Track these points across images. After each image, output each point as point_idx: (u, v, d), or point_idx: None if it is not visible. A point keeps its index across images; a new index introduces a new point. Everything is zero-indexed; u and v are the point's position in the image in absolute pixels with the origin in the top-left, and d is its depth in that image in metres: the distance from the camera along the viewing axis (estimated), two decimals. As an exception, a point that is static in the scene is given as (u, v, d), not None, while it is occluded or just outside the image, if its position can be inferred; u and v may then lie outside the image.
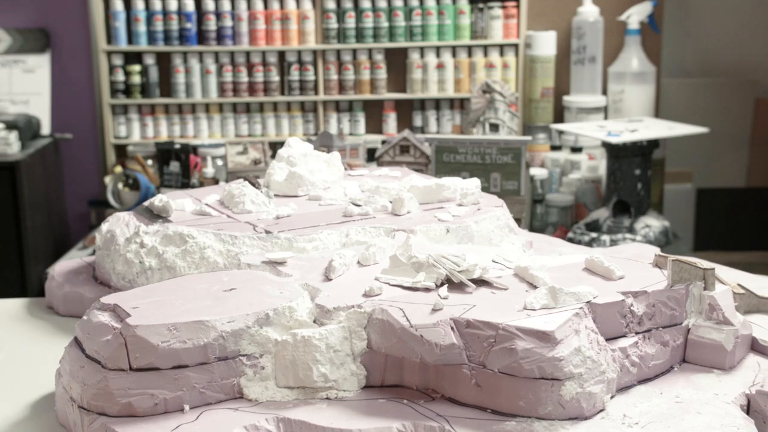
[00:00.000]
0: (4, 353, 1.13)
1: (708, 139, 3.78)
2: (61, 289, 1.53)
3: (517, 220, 1.51)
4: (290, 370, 1.10)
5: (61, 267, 1.61)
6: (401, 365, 1.11)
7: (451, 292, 1.16)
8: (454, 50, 4.02)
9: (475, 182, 1.58)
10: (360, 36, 3.98)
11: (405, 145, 2.96)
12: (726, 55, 4.69)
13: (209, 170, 3.39)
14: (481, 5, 3.98)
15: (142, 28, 3.99)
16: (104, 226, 1.52)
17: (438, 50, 4.01)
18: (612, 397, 1.08)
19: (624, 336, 1.12)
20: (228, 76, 4.02)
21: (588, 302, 1.10)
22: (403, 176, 1.72)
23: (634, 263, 1.27)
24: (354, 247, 1.38)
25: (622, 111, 3.85)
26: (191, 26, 3.98)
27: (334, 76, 4.02)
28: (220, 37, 4.00)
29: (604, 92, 3.97)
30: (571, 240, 3.23)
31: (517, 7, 3.96)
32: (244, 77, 4.02)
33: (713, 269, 1.19)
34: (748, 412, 1.09)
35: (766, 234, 4.72)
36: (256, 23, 3.97)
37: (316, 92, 4.04)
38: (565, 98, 3.93)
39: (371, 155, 3.45)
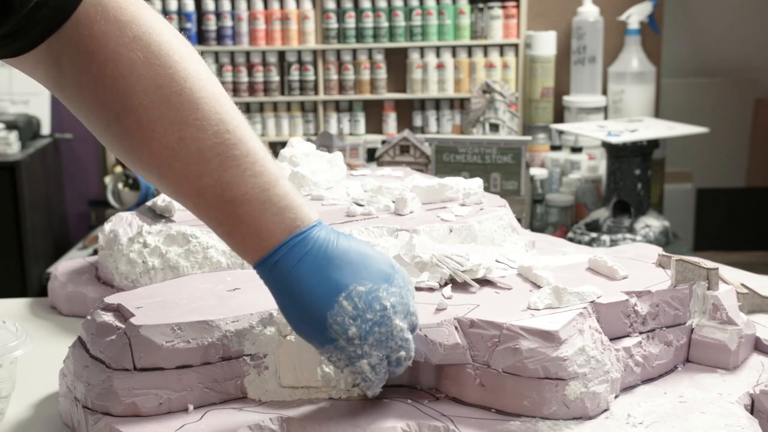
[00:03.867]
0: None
1: (708, 139, 3.78)
2: (64, 289, 1.53)
3: (518, 220, 1.51)
4: (294, 369, 1.10)
5: (63, 267, 1.60)
6: (405, 365, 1.11)
7: (454, 292, 1.16)
8: (454, 50, 4.02)
9: (477, 182, 1.57)
10: (360, 36, 3.98)
11: (405, 145, 2.96)
12: (726, 55, 4.69)
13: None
14: (481, 5, 3.99)
15: (142, 28, 3.98)
16: (107, 226, 1.52)
17: (438, 50, 4.02)
18: (616, 396, 1.08)
19: (628, 336, 1.12)
20: (228, 76, 4.02)
21: (592, 302, 1.09)
22: (405, 176, 1.72)
23: (638, 263, 1.26)
24: (357, 247, 1.37)
25: (622, 111, 3.85)
26: (191, 26, 3.98)
27: (334, 76, 4.03)
28: (220, 37, 4.00)
29: (604, 92, 3.97)
30: (571, 240, 3.23)
31: (517, 7, 3.96)
32: (244, 77, 4.02)
33: (717, 269, 1.19)
34: (752, 412, 1.09)
35: (766, 234, 4.73)
36: (256, 23, 3.98)
37: (316, 92, 4.04)
38: (565, 98, 3.94)
39: (371, 155, 3.45)
